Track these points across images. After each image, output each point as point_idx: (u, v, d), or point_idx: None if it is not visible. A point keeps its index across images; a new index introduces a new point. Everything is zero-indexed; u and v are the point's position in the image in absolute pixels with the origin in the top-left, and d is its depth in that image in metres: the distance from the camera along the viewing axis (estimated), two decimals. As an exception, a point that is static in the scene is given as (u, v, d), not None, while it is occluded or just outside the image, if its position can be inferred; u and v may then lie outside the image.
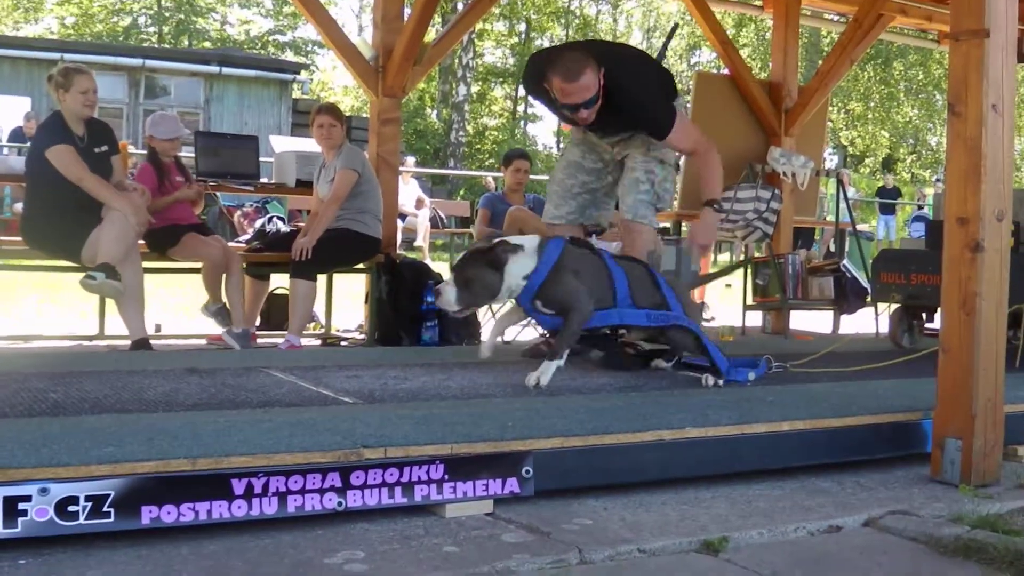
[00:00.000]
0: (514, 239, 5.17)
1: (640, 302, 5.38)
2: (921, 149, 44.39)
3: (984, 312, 4.03)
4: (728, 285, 13.36)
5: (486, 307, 6.27)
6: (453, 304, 5.00)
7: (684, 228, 10.36)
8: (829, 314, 10.12)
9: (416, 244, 17.62)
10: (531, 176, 9.23)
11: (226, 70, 25.17)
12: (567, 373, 5.50)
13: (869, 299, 9.10)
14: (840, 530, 3.59)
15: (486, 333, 5.61)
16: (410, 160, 20.91)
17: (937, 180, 32.67)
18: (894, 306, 7.79)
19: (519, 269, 5.01)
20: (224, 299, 7.50)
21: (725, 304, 11.75)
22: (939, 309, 7.58)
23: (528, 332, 8.74)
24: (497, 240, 5.11)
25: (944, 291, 4.16)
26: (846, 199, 10.74)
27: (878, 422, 4.51)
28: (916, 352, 6.61)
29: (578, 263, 5.20)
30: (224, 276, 7.43)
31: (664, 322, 5.43)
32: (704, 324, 10.30)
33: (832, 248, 13.52)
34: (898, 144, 43.39)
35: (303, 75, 28.21)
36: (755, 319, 10.17)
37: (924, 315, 7.82)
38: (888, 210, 29.00)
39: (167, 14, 40.53)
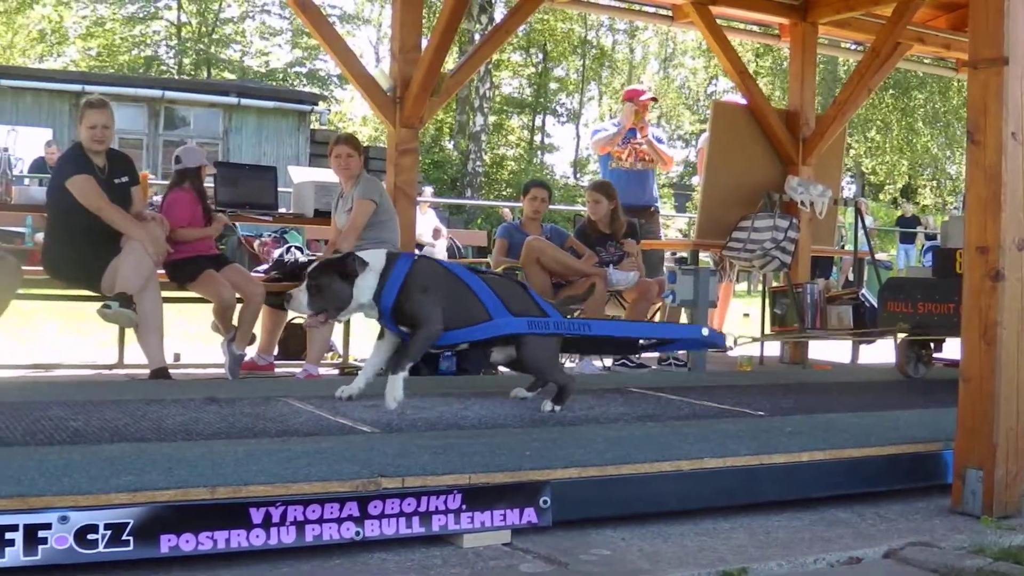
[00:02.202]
0: (364, 254, 5.21)
1: (515, 310, 5.36)
2: (940, 178, 44.29)
3: (1005, 341, 4.01)
4: (746, 315, 13.34)
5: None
6: (304, 308, 5.12)
7: (702, 258, 10.35)
8: (848, 344, 10.10)
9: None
10: (549, 206, 9.21)
11: (245, 101, 25.28)
12: (584, 402, 5.49)
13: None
14: (860, 562, 3.58)
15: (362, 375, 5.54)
16: (427, 190, 20.93)
17: (955, 208, 32.57)
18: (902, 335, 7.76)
19: (367, 285, 5.10)
20: (235, 323, 7.50)
21: (743, 334, 11.71)
22: (946, 338, 7.59)
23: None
24: (347, 253, 5.20)
25: (964, 320, 4.14)
26: (864, 228, 10.72)
27: (898, 453, 4.49)
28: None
29: (427, 279, 5.21)
30: (241, 305, 7.45)
31: (546, 329, 5.37)
32: (723, 353, 10.33)
33: (851, 277, 13.49)
34: (917, 173, 43.32)
35: (321, 106, 28.28)
36: (773, 349, 10.14)
37: (932, 344, 7.78)
38: (908, 239, 28.96)
39: (188, 45, 40.77)
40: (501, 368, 7.38)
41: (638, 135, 10.33)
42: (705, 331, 5.89)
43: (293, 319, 8.37)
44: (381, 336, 5.49)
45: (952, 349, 7.87)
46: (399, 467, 3.60)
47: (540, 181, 9.64)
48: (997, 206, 4.01)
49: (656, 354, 9.45)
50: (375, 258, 5.17)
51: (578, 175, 43.70)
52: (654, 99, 10.84)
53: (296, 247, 9.68)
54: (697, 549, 3.56)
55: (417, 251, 5.68)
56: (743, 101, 10.43)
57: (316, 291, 5.09)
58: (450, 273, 5.38)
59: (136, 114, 24.49)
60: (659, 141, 10.58)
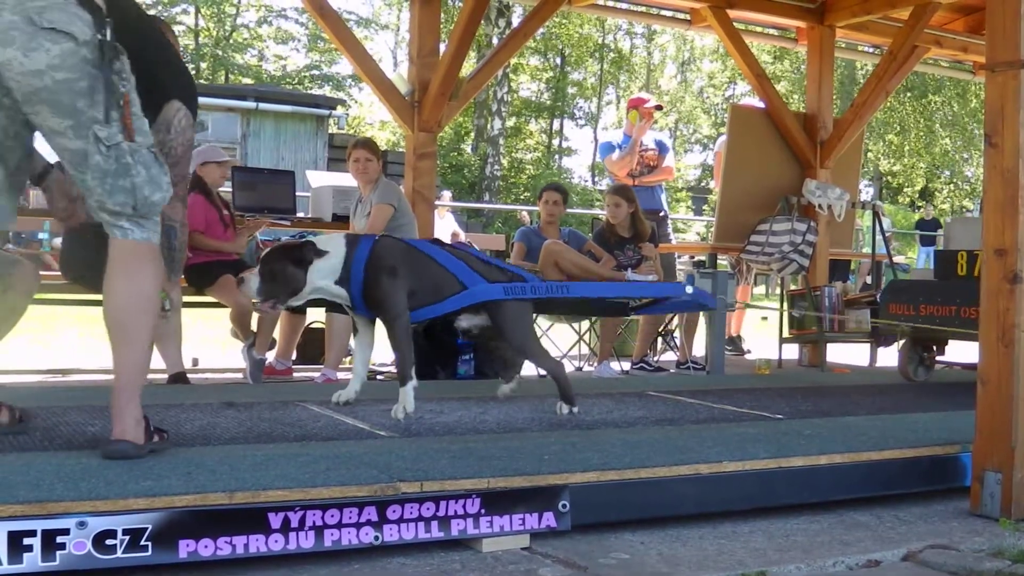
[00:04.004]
0: (322, 240, 5.14)
1: (489, 278, 5.30)
2: (957, 180, 44.19)
3: (1023, 344, 3.99)
4: (764, 318, 13.32)
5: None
6: (254, 294, 5.02)
7: (720, 261, 10.34)
8: (866, 347, 10.07)
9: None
10: (567, 210, 9.20)
11: (263, 106, 25.32)
12: (603, 406, 5.49)
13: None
14: (879, 564, 3.57)
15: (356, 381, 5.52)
16: (446, 194, 20.95)
17: (970, 212, 32.41)
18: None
19: (326, 270, 5.00)
20: (254, 327, 7.52)
21: (761, 337, 11.71)
22: (948, 340, 7.54)
23: (564, 365, 8.74)
24: (305, 240, 5.12)
25: (982, 323, 4.13)
26: (882, 231, 10.70)
27: (916, 455, 4.48)
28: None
29: (392, 259, 5.11)
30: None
31: (523, 294, 5.31)
32: (741, 357, 10.32)
33: (869, 280, 13.46)
34: (935, 176, 43.22)
35: (339, 110, 28.32)
36: (791, 352, 10.12)
37: (935, 347, 7.73)
38: (929, 242, 28.88)
39: (205, 50, 40.87)
40: (521, 371, 7.40)
41: (643, 142, 10.32)
42: (689, 289, 5.84)
43: (311, 323, 8.39)
44: (356, 332, 5.47)
45: (955, 352, 7.86)
46: (418, 471, 3.60)
47: (554, 184, 9.65)
48: (1015, 209, 3.99)
49: (674, 358, 9.46)
50: (334, 243, 5.10)
51: (596, 179, 43.66)
52: (659, 107, 10.84)
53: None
54: (716, 552, 3.56)
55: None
56: (761, 104, 10.43)
57: (268, 276, 4.98)
58: (415, 249, 5.30)
59: (154, 119, 24.54)
60: (663, 148, 10.54)
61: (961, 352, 7.84)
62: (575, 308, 6.68)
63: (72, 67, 3.51)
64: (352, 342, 5.57)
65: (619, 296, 6.26)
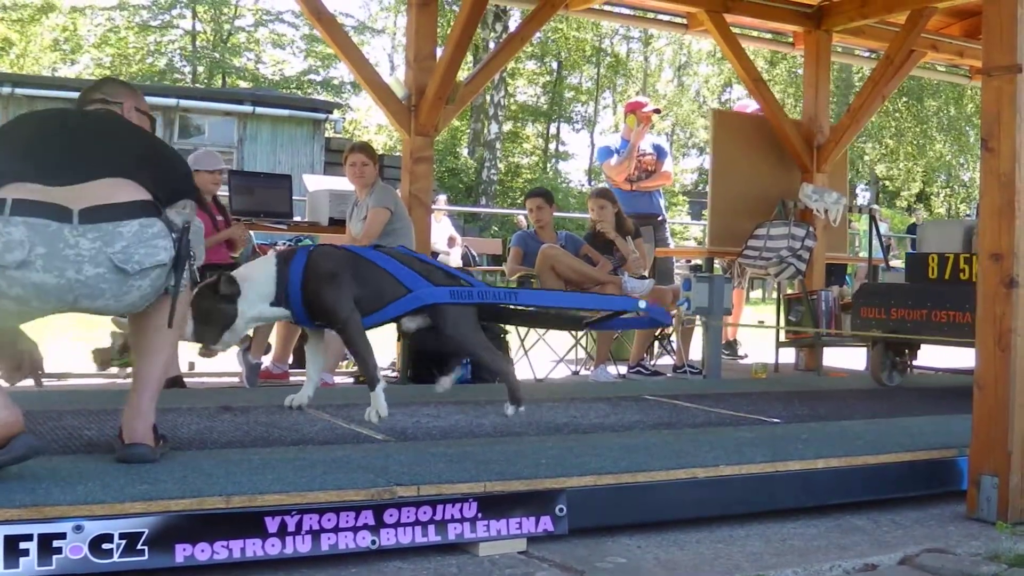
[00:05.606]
0: (248, 267, 5.06)
1: (436, 281, 5.16)
2: (954, 184, 44.19)
3: (1020, 348, 4.00)
4: (761, 322, 13.33)
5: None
6: (188, 337, 4.80)
7: (716, 265, 10.34)
8: (863, 351, 10.08)
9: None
10: (564, 214, 9.20)
11: (259, 109, 25.26)
12: (599, 410, 5.49)
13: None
14: (876, 568, 3.57)
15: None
16: (442, 198, 20.94)
17: (968, 215, 32.39)
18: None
19: (254, 298, 4.84)
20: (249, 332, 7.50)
21: (758, 341, 11.70)
22: (920, 344, 7.52)
23: (560, 369, 8.75)
24: (220, 273, 4.91)
25: (979, 327, 4.13)
26: (879, 235, 10.70)
27: (913, 459, 4.49)
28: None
29: (330, 266, 4.94)
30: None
31: (469, 299, 5.15)
32: (737, 361, 10.32)
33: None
34: (931, 180, 43.20)
35: (336, 114, 28.27)
36: (788, 356, 10.12)
37: (908, 351, 7.72)
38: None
39: (202, 53, 40.83)
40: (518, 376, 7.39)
41: (641, 147, 10.32)
42: (643, 304, 5.80)
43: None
44: (305, 339, 5.39)
45: (927, 356, 7.85)
46: (414, 475, 3.60)
47: (533, 191, 9.64)
48: (1011, 213, 4.00)
49: (671, 362, 9.46)
50: (260, 266, 4.98)
51: (593, 182, 43.65)
52: (657, 110, 10.83)
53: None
54: (713, 556, 3.56)
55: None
56: (746, 108, 10.43)
57: (201, 318, 4.75)
58: (354, 255, 5.14)
59: (151, 123, 24.48)
60: (662, 153, 10.52)
61: (949, 357, 7.84)
62: (527, 319, 6.55)
63: (160, 285, 3.68)
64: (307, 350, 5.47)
65: (570, 306, 6.18)
